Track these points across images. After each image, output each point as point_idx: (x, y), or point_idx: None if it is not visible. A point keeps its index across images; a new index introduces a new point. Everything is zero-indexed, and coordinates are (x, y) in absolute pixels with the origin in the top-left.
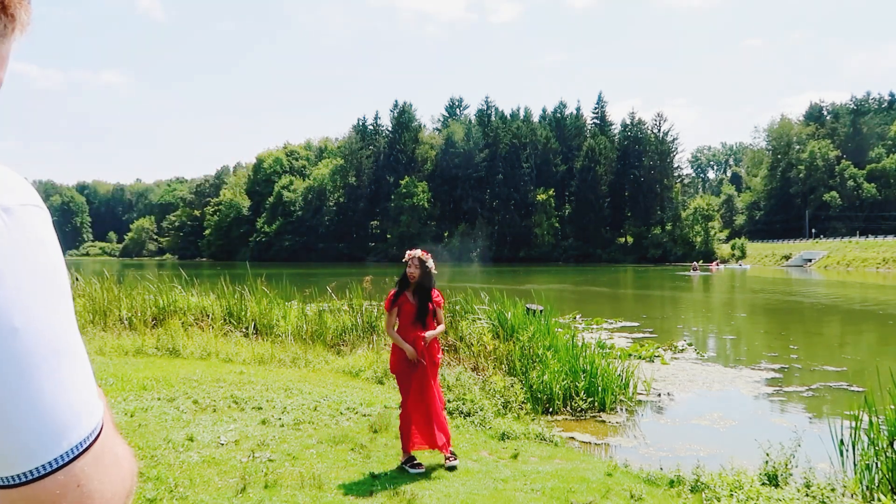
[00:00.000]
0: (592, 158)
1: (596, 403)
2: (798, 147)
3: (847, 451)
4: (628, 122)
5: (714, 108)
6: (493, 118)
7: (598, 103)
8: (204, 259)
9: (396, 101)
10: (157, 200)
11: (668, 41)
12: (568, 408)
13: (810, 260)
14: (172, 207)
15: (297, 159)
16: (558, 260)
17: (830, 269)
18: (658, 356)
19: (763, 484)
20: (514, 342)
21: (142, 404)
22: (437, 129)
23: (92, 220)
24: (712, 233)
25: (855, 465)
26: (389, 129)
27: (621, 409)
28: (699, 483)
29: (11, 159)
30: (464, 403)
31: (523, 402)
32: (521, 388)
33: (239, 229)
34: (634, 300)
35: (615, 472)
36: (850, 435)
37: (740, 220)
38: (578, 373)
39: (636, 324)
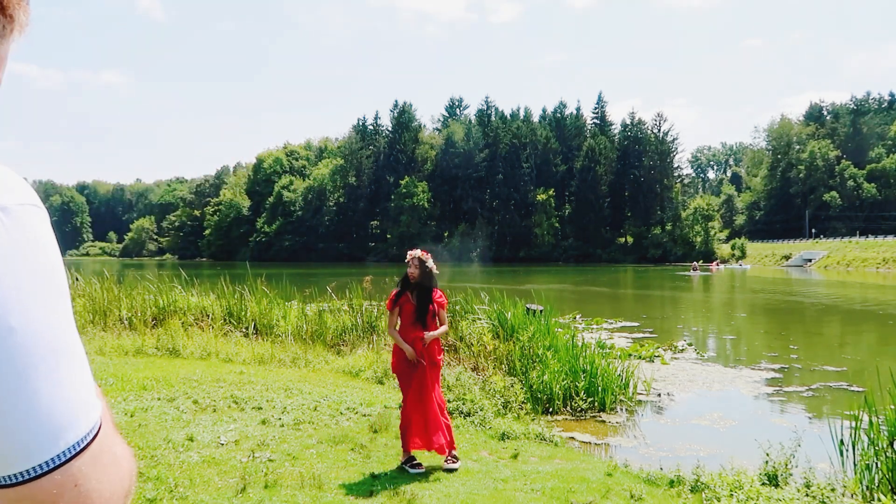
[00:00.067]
0: (592, 158)
1: (596, 403)
2: (798, 147)
3: (847, 451)
4: (628, 122)
5: (714, 108)
6: (493, 118)
7: (598, 103)
8: (204, 259)
9: (396, 101)
10: (157, 200)
11: (668, 41)
12: (568, 408)
13: (810, 260)
14: (172, 207)
15: (297, 159)
16: (558, 260)
17: (830, 269)
18: (658, 356)
19: (763, 484)
20: (514, 342)
21: (142, 404)
22: (437, 129)
23: (92, 220)
24: (712, 233)
25: (855, 465)
26: (389, 129)
27: (621, 409)
28: (699, 483)
29: (11, 159)
30: (464, 403)
31: (523, 402)
32: (521, 388)
33: (239, 229)
34: (634, 300)
35: (615, 472)
36: (850, 435)
37: (740, 220)
38: (578, 373)
39: (636, 324)
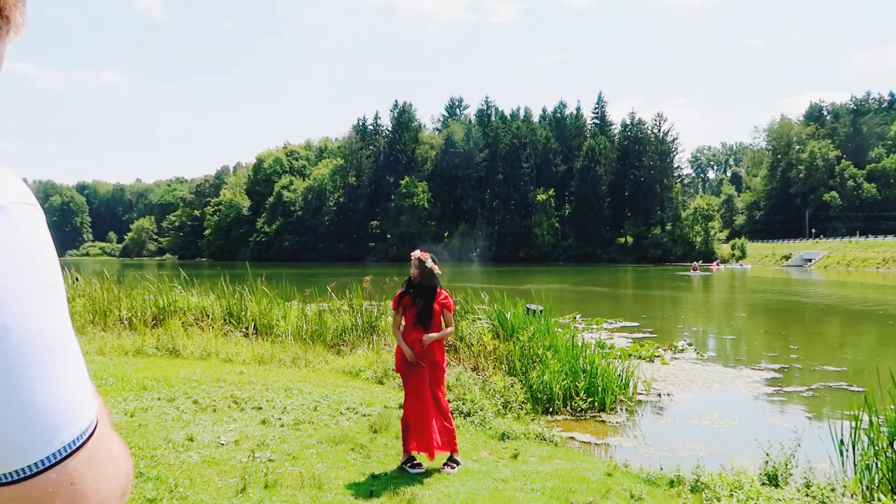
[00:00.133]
0: (592, 158)
1: (596, 403)
2: (798, 147)
3: (847, 451)
4: (628, 122)
5: (714, 108)
6: (493, 118)
7: (598, 103)
8: (204, 259)
9: (396, 101)
10: (157, 200)
11: (668, 41)
12: (568, 408)
13: (810, 260)
14: (172, 207)
15: (297, 159)
16: (558, 260)
17: (830, 269)
18: (658, 356)
19: (763, 484)
20: (514, 342)
21: (142, 404)
22: (437, 129)
23: (92, 220)
24: (712, 233)
25: (855, 465)
26: (389, 129)
27: (621, 409)
28: (699, 483)
29: (11, 159)
30: (464, 403)
31: (523, 402)
32: (521, 388)
33: (239, 229)
34: (634, 300)
35: (615, 472)
36: (850, 435)
37: (740, 220)
38: (578, 373)
39: (636, 324)
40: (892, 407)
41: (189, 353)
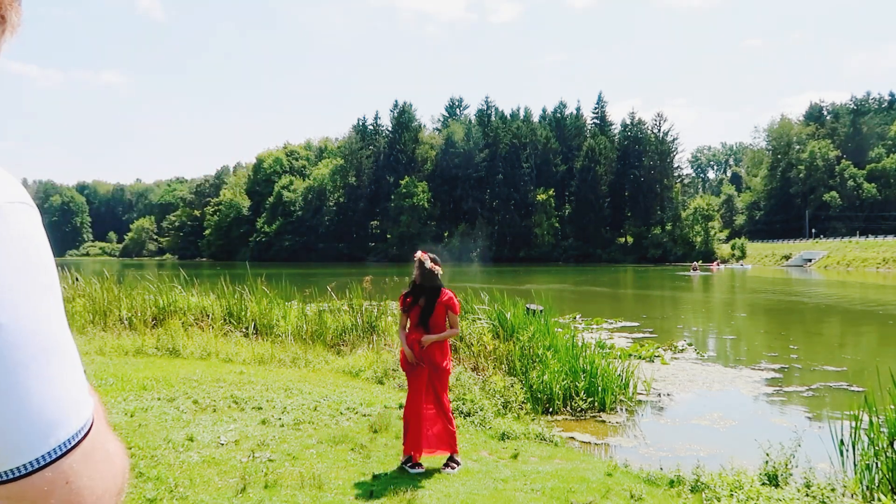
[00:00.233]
0: (592, 158)
1: (596, 403)
2: (798, 147)
3: (847, 451)
4: (628, 122)
5: (714, 108)
6: (493, 118)
7: (598, 103)
8: (204, 259)
9: (396, 101)
10: (157, 200)
11: (668, 41)
12: (568, 408)
13: (810, 260)
14: (172, 207)
15: (297, 159)
16: (558, 260)
17: (830, 269)
18: (658, 356)
19: (763, 484)
20: (514, 342)
21: (142, 404)
22: (437, 129)
23: (92, 220)
24: (712, 233)
25: (855, 465)
26: (389, 129)
27: (621, 409)
28: (699, 483)
29: (11, 159)
30: (464, 403)
31: (523, 402)
32: (521, 388)
33: (239, 229)
34: (634, 300)
35: (615, 472)
36: (850, 435)
37: (740, 220)
38: (578, 373)
39: (636, 324)
40: (892, 407)
41: (189, 353)
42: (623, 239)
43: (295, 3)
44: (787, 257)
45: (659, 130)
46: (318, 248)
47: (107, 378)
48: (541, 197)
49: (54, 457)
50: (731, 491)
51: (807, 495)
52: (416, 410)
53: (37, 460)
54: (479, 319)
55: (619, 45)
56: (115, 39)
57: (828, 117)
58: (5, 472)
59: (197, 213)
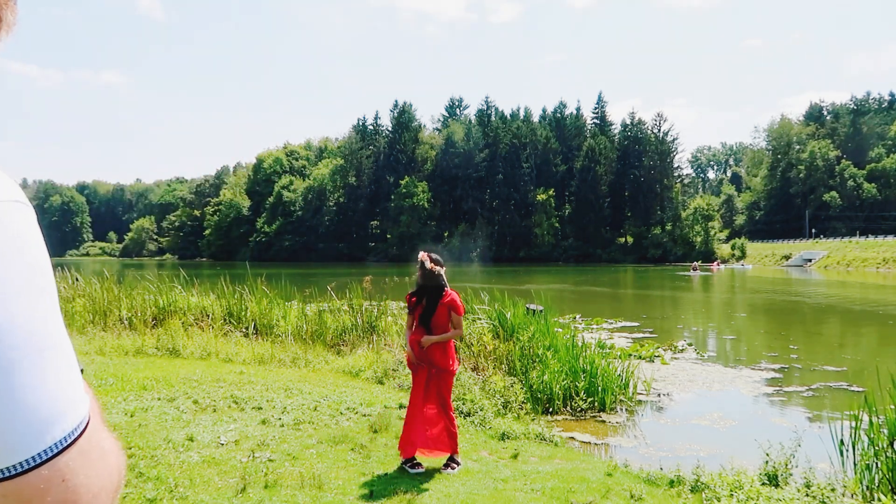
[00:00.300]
0: (592, 158)
1: (596, 403)
2: (798, 147)
3: (847, 451)
4: (628, 122)
5: (714, 108)
6: (493, 118)
7: (598, 103)
8: (204, 259)
9: (396, 101)
10: (157, 200)
11: (668, 41)
12: (568, 408)
13: (810, 260)
14: (172, 207)
15: (297, 159)
16: (558, 260)
17: (830, 269)
18: (658, 356)
19: (763, 484)
20: (514, 342)
21: (142, 404)
22: (437, 129)
23: (92, 220)
24: (712, 233)
25: (855, 465)
26: (389, 129)
27: (621, 409)
28: (699, 483)
29: (11, 159)
30: (464, 403)
31: (523, 402)
32: (521, 388)
33: (239, 229)
34: (634, 300)
35: (615, 472)
36: (850, 435)
37: (740, 220)
38: (578, 373)
39: (636, 324)
40: (892, 407)
41: (189, 353)
42: (623, 239)
43: (295, 3)
44: (787, 257)
45: (659, 130)
46: (318, 248)
47: (107, 378)
48: (541, 197)
49: (50, 454)
50: (731, 491)
51: (807, 495)
52: (413, 410)
53: (33, 458)
54: (479, 319)
55: (619, 45)
56: (115, 39)
57: (828, 117)
58: (1, 471)
59: (197, 213)
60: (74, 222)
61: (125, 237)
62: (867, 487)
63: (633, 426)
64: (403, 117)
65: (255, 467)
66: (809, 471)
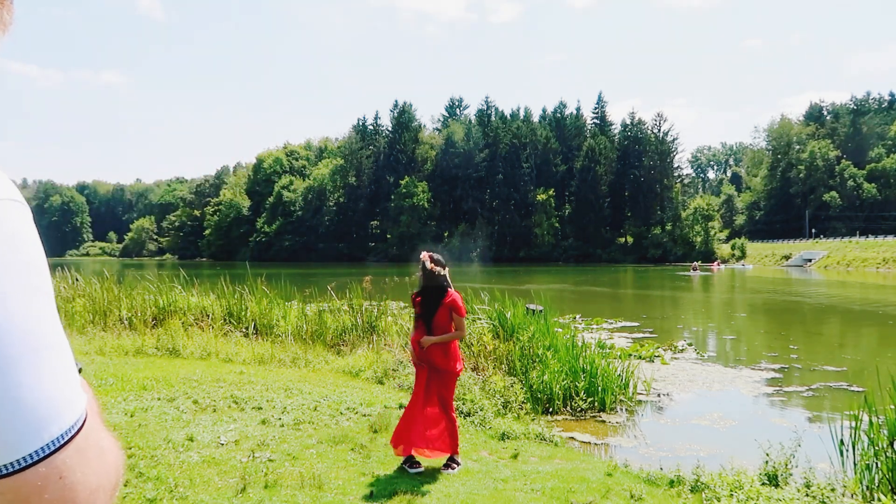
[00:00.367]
0: (592, 158)
1: (596, 403)
2: (798, 147)
3: (847, 451)
4: (628, 122)
5: (714, 108)
6: (493, 118)
7: (598, 103)
8: (204, 259)
9: (396, 101)
10: (157, 200)
11: (668, 41)
12: (568, 408)
13: (810, 260)
14: (172, 207)
15: (297, 159)
16: (558, 260)
17: (830, 269)
18: (658, 356)
19: (763, 484)
20: (514, 342)
21: (142, 404)
22: (437, 129)
23: (92, 220)
24: (712, 233)
25: (855, 465)
26: (389, 129)
27: (621, 409)
28: (699, 483)
29: (12, 159)
30: (464, 403)
31: (523, 402)
32: (521, 388)
33: (239, 229)
34: (634, 300)
35: (615, 472)
36: (850, 435)
37: (740, 220)
38: (578, 373)
39: (636, 324)
40: (892, 407)
41: (189, 353)
42: (623, 239)
43: (295, 3)
44: (787, 257)
45: (659, 130)
46: (318, 248)
47: (107, 378)
48: (541, 197)
49: (47, 452)
50: (731, 491)
51: (807, 495)
52: (412, 409)
53: (30, 455)
54: (479, 319)
55: (619, 45)
56: (115, 39)
57: (828, 117)
58: None
59: (197, 213)
60: (74, 222)
61: (125, 237)
62: (867, 487)
63: (633, 426)
64: (403, 117)
65: (255, 467)
66: (809, 471)
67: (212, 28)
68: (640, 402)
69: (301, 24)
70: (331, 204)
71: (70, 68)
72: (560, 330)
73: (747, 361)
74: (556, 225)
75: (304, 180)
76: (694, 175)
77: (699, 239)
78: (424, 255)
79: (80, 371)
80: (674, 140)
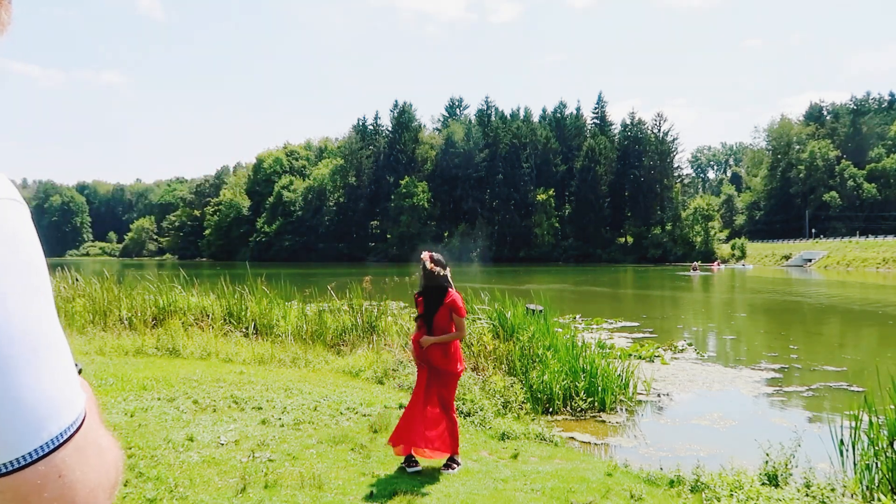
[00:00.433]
0: (592, 158)
1: (596, 403)
2: (798, 147)
3: (847, 451)
4: (628, 122)
5: (714, 108)
6: (493, 118)
7: (598, 103)
8: (204, 259)
9: (396, 101)
10: (157, 200)
11: (667, 41)
12: (568, 408)
13: (810, 260)
14: (172, 207)
15: (297, 159)
16: (558, 260)
17: (830, 269)
18: (658, 356)
19: (763, 484)
20: (514, 342)
21: (142, 404)
22: (437, 129)
23: (92, 220)
24: (712, 233)
25: (855, 465)
26: (389, 129)
27: (621, 409)
28: (699, 483)
29: (12, 159)
30: (464, 403)
31: (523, 402)
32: (521, 388)
33: (239, 229)
34: (634, 300)
35: (615, 472)
36: (850, 435)
37: (740, 220)
38: (578, 373)
39: (636, 324)
40: (892, 407)
41: (189, 353)
42: (623, 239)
43: (295, 3)
44: (787, 257)
45: (659, 130)
46: (318, 248)
47: (107, 378)
48: (541, 197)
49: (47, 451)
50: (731, 491)
51: (807, 495)
52: (412, 408)
53: (29, 454)
54: (479, 319)
55: (619, 45)
56: (115, 39)
57: (828, 117)
58: None
59: (197, 213)
60: (74, 222)
61: (125, 237)
62: (867, 487)
63: (633, 426)
64: (403, 117)
65: (255, 467)
66: (809, 471)
67: (212, 28)
68: (640, 402)
69: (301, 24)
70: (331, 204)
71: (71, 68)
72: (560, 330)
73: (747, 361)
74: (556, 225)
75: (304, 180)
76: (694, 175)
77: (699, 239)
78: (425, 254)
79: (79, 372)
80: (674, 140)
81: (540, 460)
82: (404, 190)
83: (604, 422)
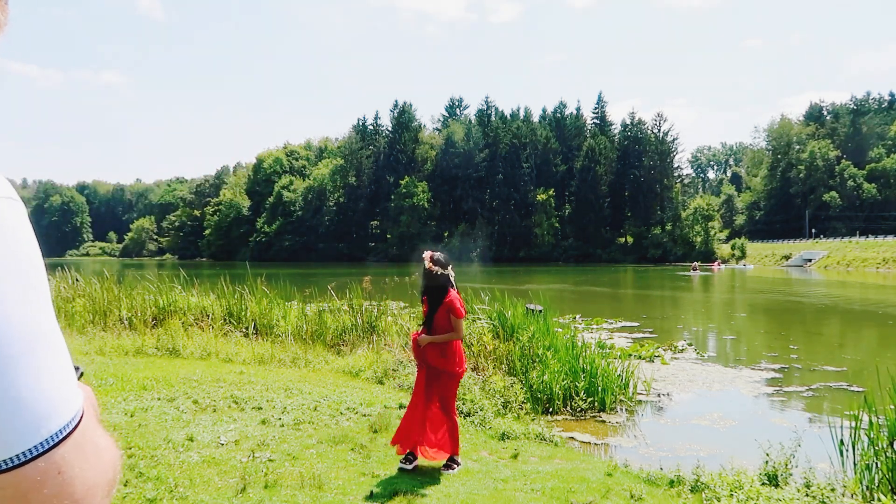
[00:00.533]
0: (592, 158)
1: (596, 403)
2: (798, 147)
3: (847, 451)
4: (628, 122)
5: (714, 108)
6: (493, 118)
7: (598, 103)
8: (204, 259)
9: (396, 101)
10: (157, 200)
11: (667, 41)
12: (568, 408)
13: (810, 260)
14: (172, 207)
15: (297, 159)
16: (558, 260)
17: (830, 269)
18: (658, 356)
19: (763, 484)
20: (514, 342)
21: (142, 404)
22: (437, 129)
23: (92, 220)
24: (712, 233)
25: (855, 465)
26: (389, 129)
27: (621, 409)
28: (699, 483)
29: (11, 159)
30: (464, 403)
31: (523, 402)
32: (521, 388)
33: (239, 229)
34: (634, 300)
35: (615, 472)
36: (850, 435)
37: (740, 220)
38: (578, 373)
39: (636, 324)
40: (892, 407)
41: (189, 353)
42: (623, 239)
43: (295, 3)
44: (787, 257)
45: (659, 130)
46: (318, 248)
47: (107, 378)
48: (541, 197)
49: (46, 447)
50: (731, 491)
51: (807, 495)
52: (412, 408)
53: (29, 451)
54: (479, 319)
55: (619, 45)
56: (115, 39)
57: (828, 117)
58: None
59: (197, 213)
60: (74, 222)
61: (125, 237)
62: (867, 487)
63: (633, 426)
64: (403, 117)
65: (255, 467)
66: (809, 471)
67: (212, 28)
68: (640, 402)
69: (301, 24)
70: (331, 204)
71: (70, 68)
72: (560, 330)
73: (747, 361)
74: (556, 225)
75: (304, 180)
76: (694, 175)
77: (699, 239)
78: (426, 254)
79: (80, 376)
80: (674, 140)
81: (540, 460)
82: (404, 190)
83: (604, 422)
